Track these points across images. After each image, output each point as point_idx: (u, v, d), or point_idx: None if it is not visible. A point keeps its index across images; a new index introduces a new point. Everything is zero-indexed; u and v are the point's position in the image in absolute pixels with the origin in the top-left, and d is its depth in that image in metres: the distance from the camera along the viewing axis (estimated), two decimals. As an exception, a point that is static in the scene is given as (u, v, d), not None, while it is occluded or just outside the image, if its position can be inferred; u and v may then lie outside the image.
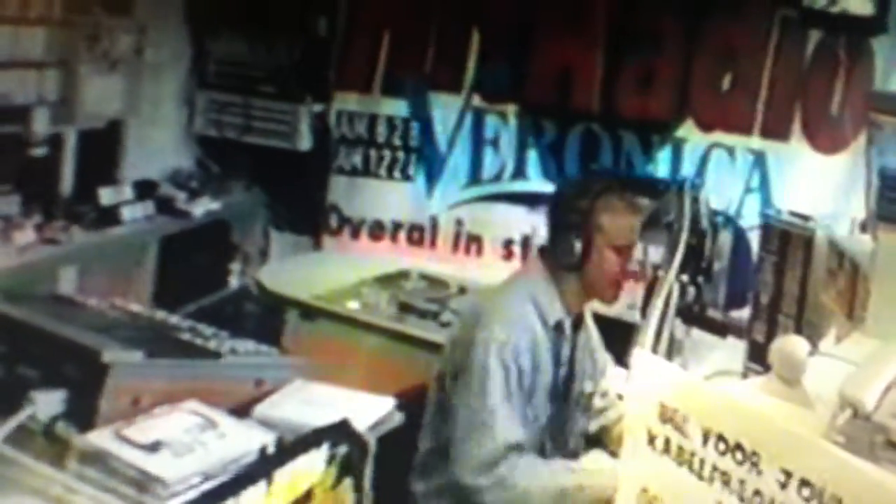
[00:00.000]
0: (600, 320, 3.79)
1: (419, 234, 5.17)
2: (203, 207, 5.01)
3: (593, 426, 3.13)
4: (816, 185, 4.39)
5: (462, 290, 4.62)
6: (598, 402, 3.13)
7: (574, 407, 3.00)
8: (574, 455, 3.01)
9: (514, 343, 2.74)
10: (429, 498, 2.89)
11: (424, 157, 5.15)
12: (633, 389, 1.89)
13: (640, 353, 1.85)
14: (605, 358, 3.20)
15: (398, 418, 2.56)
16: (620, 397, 3.04)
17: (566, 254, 2.85)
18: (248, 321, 5.03)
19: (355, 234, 5.26)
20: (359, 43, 5.20)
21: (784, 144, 4.50)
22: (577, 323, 2.99)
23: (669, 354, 3.51)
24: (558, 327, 2.87)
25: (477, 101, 5.04)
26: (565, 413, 2.95)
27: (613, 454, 3.05)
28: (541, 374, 2.82)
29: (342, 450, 1.81)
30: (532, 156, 4.96)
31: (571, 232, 2.84)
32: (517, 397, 2.74)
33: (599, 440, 3.12)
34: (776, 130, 4.51)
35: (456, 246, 5.12)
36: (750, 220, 4.30)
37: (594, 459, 2.96)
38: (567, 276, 2.88)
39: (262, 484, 1.57)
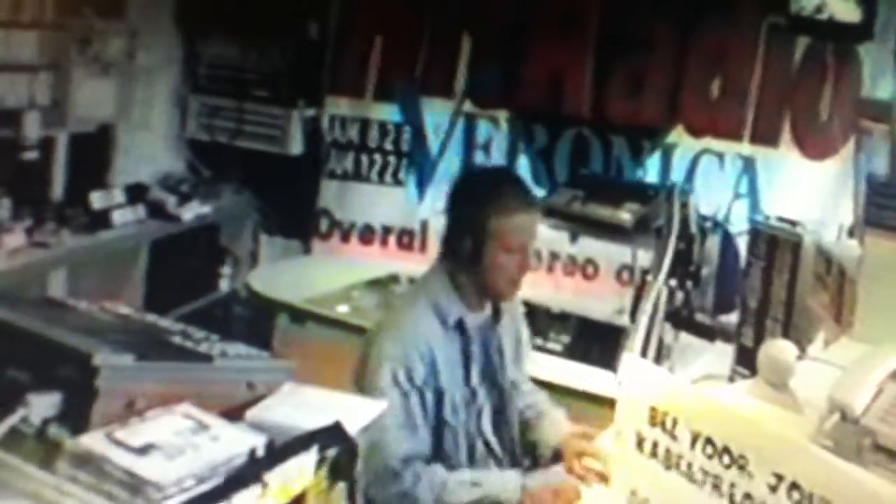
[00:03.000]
0: (589, 324, 3.81)
1: (409, 239, 5.17)
2: (194, 211, 4.99)
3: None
4: (805, 190, 4.40)
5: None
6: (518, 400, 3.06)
7: (508, 397, 2.95)
8: (518, 461, 2.95)
9: (404, 355, 2.70)
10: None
11: (416, 161, 5.15)
12: (623, 393, 1.90)
13: (630, 357, 1.87)
14: (527, 351, 3.14)
15: (389, 422, 2.56)
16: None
17: (460, 254, 2.81)
18: (238, 325, 5.03)
19: (345, 239, 5.25)
20: (351, 48, 5.20)
21: (773, 150, 4.51)
22: (495, 315, 2.93)
23: (658, 358, 3.53)
24: (460, 326, 2.82)
25: (468, 106, 5.04)
26: (501, 403, 2.92)
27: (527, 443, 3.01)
28: (444, 375, 2.77)
29: (333, 453, 1.81)
30: (523, 161, 4.96)
31: (463, 233, 2.80)
32: (414, 410, 2.70)
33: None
34: (765, 136, 4.52)
35: (446, 251, 5.11)
36: (738, 225, 4.32)
37: (557, 472, 2.84)
38: (465, 274, 2.83)
39: (254, 487, 1.58)
